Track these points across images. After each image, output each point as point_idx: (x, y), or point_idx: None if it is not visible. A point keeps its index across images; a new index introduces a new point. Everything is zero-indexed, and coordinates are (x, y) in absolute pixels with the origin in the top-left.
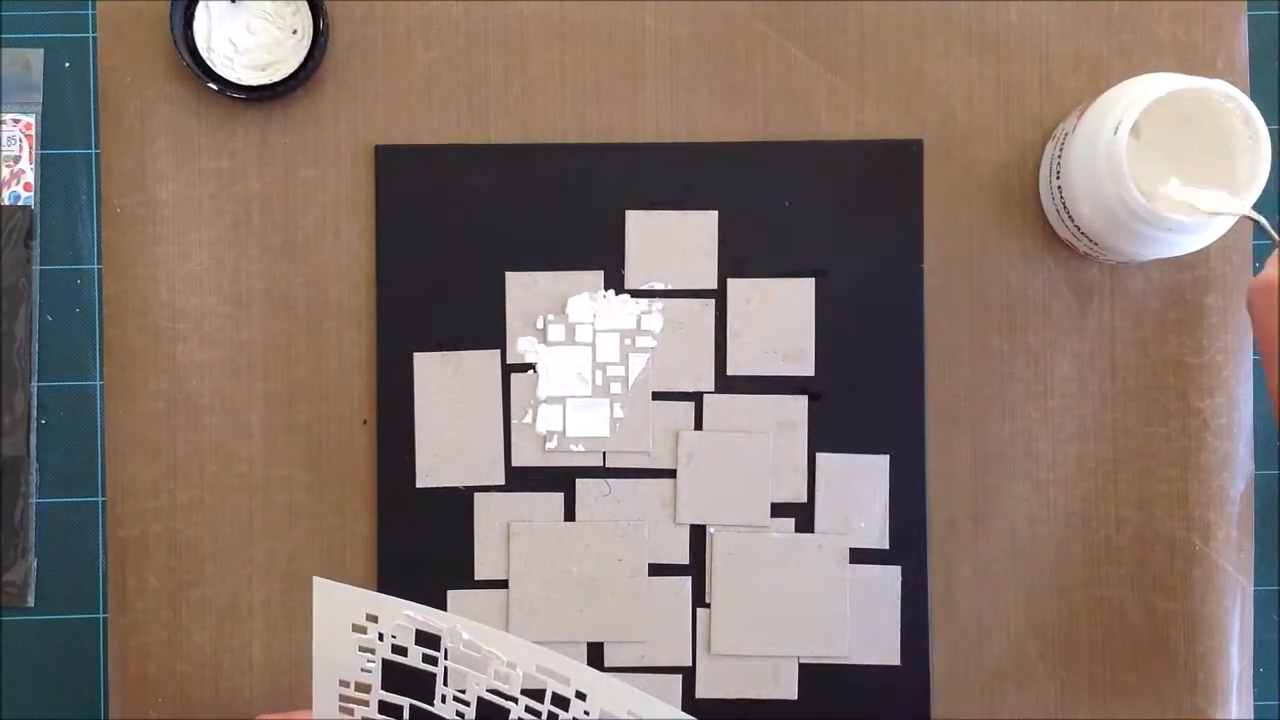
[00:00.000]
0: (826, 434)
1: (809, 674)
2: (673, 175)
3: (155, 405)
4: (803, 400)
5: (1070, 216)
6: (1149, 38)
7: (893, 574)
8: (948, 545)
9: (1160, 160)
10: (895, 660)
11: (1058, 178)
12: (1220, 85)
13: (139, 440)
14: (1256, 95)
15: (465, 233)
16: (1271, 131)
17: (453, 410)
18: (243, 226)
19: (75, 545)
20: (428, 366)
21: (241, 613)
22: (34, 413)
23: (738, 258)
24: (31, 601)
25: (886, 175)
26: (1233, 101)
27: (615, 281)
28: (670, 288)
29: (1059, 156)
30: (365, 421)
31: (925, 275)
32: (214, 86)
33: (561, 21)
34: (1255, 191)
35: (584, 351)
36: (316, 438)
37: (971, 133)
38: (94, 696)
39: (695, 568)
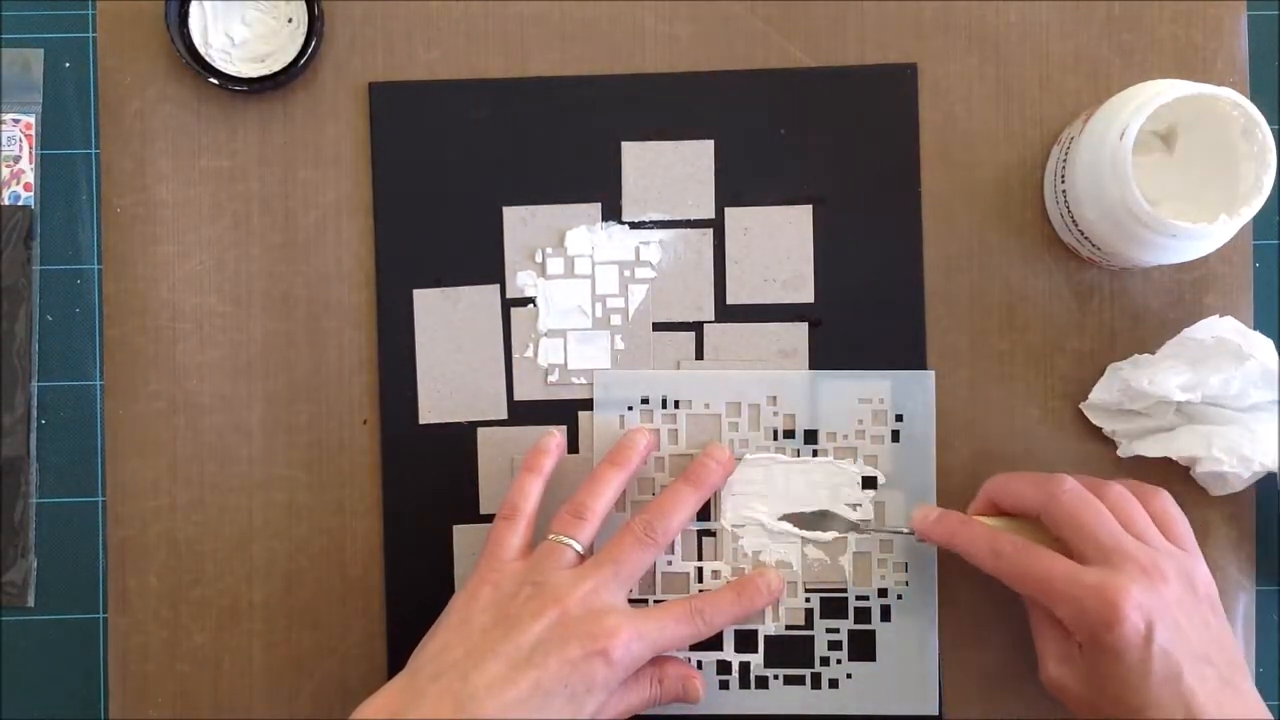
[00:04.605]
0: (827, 360)
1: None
2: (667, 105)
3: (155, 405)
4: (803, 327)
5: (1075, 221)
6: (1149, 38)
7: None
8: None
9: (1165, 166)
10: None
11: (1063, 182)
12: (1227, 93)
13: (139, 440)
14: (1256, 95)
15: (461, 168)
16: (1273, 132)
17: (453, 346)
18: (243, 226)
19: (75, 545)
20: (427, 303)
21: (241, 613)
22: (34, 413)
23: (735, 187)
24: (31, 601)
25: (881, 100)
26: (1239, 109)
27: (613, 213)
28: (668, 218)
29: (1064, 161)
30: (365, 421)
31: (925, 275)
32: (214, 81)
33: (561, 21)
34: (1260, 200)
35: (583, 284)
36: (316, 438)
37: (971, 133)
38: (94, 696)
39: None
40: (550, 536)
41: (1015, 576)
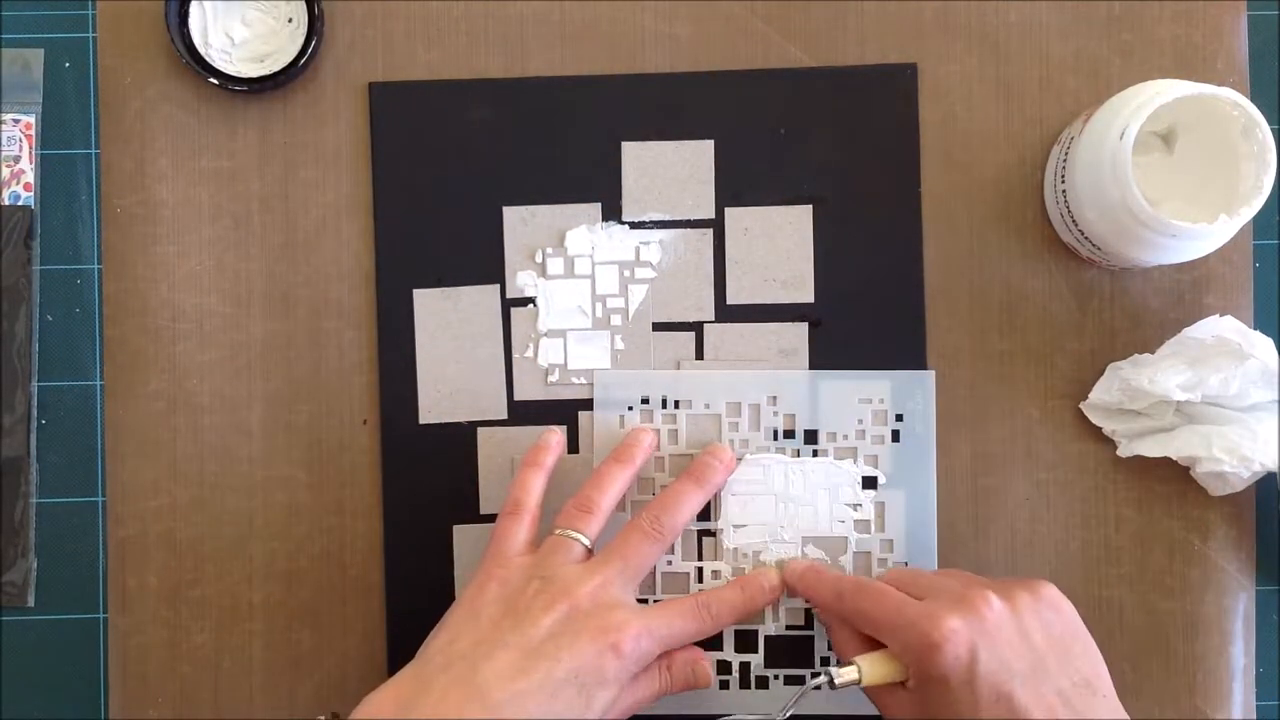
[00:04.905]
0: (827, 360)
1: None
2: (667, 105)
3: (155, 405)
4: (803, 327)
5: (1075, 221)
6: (1149, 38)
7: None
8: (948, 545)
9: (1165, 166)
10: None
11: (1063, 182)
12: (1227, 93)
13: (139, 440)
14: (1256, 95)
15: (461, 168)
16: (1273, 132)
17: (453, 346)
18: (243, 226)
19: (75, 545)
20: (427, 303)
21: (241, 613)
22: (34, 413)
23: (735, 187)
24: (31, 601)
25: (881, 100)
26: (1239, 109)
27: (613, 213)
28: (668, 218)
29: (1064, 161)
30: (365, 421)
31: (925, 275)
32: (214, 81)
33: (561, 21)
34: (1260, 200)
35: (583, 284)
36: (316, 438)
37: (971, 133)
38: (94, 696)
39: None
40: (556, 531)
41: (853, 614)
